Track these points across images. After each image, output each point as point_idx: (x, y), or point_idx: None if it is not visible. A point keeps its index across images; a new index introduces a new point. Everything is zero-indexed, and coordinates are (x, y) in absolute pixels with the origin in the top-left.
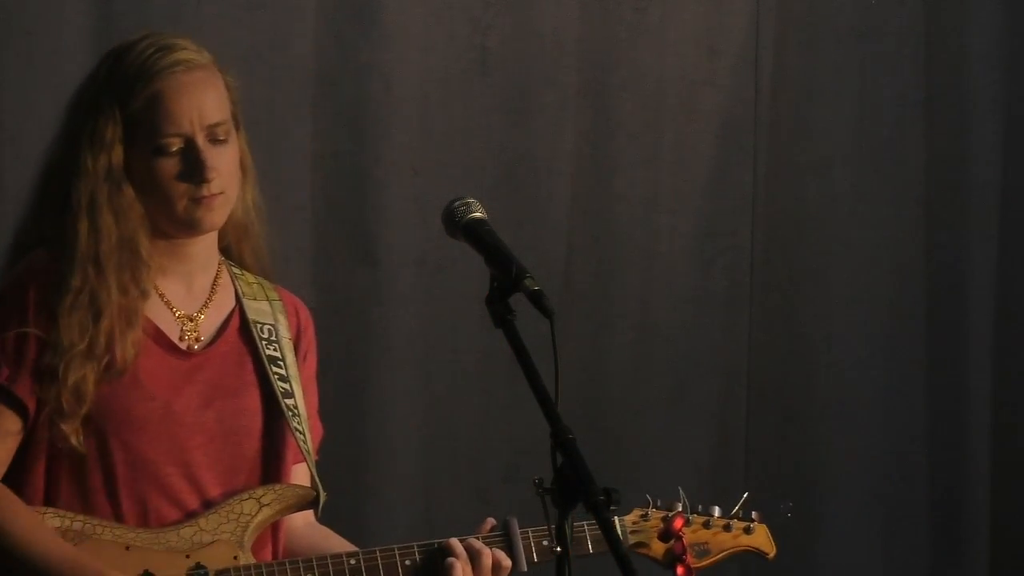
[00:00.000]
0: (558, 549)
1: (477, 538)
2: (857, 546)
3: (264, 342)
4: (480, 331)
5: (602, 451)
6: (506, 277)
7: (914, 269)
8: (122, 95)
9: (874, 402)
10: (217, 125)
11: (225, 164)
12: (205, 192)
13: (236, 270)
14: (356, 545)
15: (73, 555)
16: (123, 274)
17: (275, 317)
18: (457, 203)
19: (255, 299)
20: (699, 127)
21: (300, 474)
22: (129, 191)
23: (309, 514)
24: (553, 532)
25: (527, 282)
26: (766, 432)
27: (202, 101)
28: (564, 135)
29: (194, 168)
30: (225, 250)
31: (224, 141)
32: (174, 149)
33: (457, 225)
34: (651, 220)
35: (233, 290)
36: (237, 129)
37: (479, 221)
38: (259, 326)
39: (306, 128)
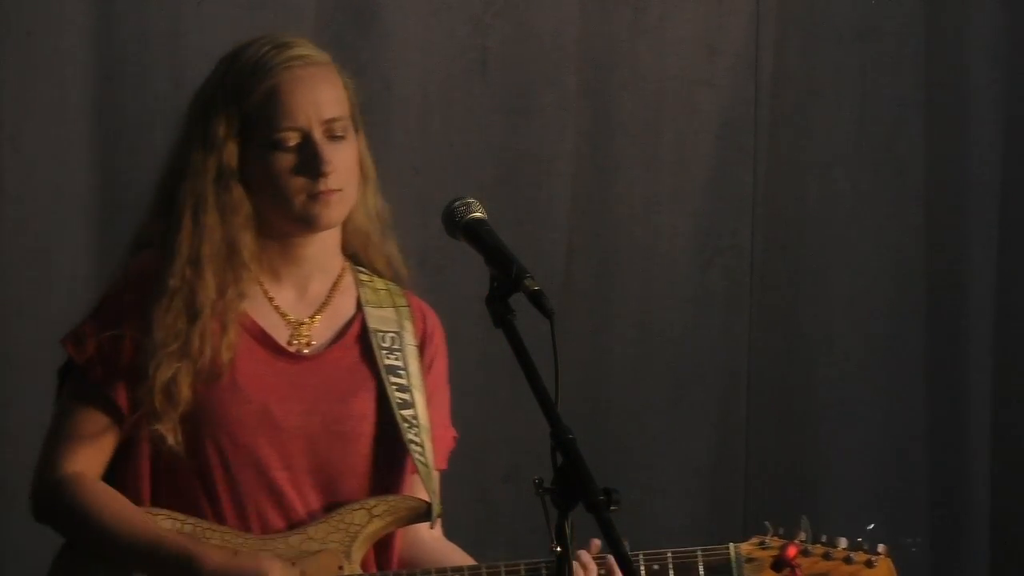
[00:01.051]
0: (558, 549)
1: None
2: None
3: (384, 351)
4: (480, 331)
5: (602, 451)
6: (506, 277)
7: (914, 269)
8: (237, 92)
9: (874, 402)
10: (334, 121)
11: (343, 161)
12: (322, 187)
13: (364, 276)
14: None
15: (185, 542)
16: (223, 275)
17: (400, 324)
18: (457, 203)
19: (380, 306)
20: (699, 127)
21: (419, 485)
22: (239, 190)
23: (437, 527)
24: (553, 532)
25: (527, 282)
26: (766, 432)
27: (319, 96)
28: (564, 135)
29: (311, 162)
30: (353, 257)
31: (342, 138)
32: (291, 144)
33: (457, 225)
34: (651, 220)
35: (355, 296)
36: (356, 131)
37: (479, 221)
38: (380, 334)
39: None
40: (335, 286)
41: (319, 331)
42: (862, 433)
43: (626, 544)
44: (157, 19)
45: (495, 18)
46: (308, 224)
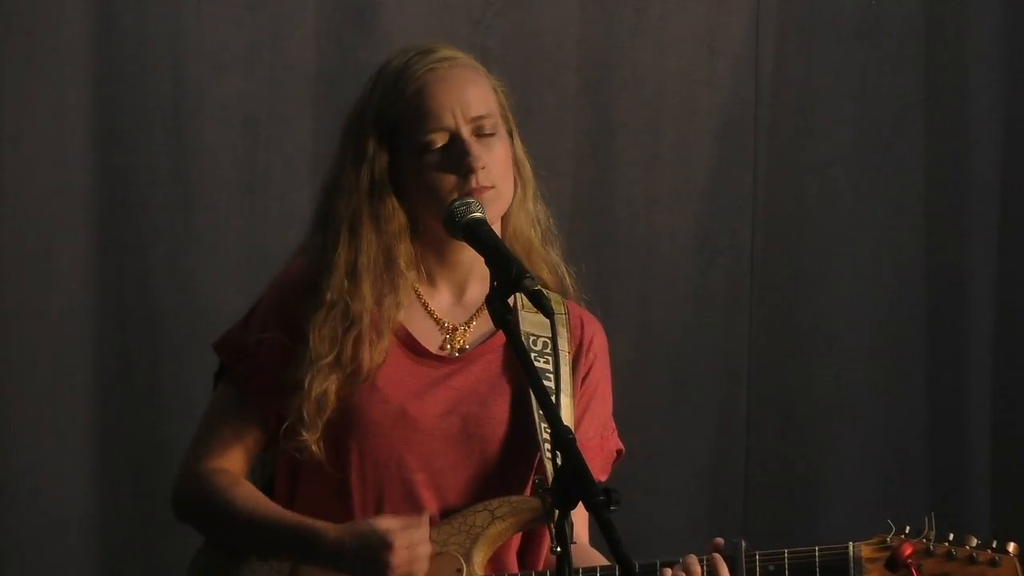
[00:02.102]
0: (558, 549)
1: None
2: None
3: (535, 354)
4: None
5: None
6: (506, 277)
7: (914, 269)
8: (384, 102)
9: (874, 402)
10: (482, 118)
11: (494, 158)
12: (473, 183)
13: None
14: None
15: (304, 518)
16: (380, 286)
17: (555, 330)
18: (457, 203)
19: (534, 311)
20: (699, 127)
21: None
22: (392, 201)
23: (584, 536)
24: (553, 532)
25: (527, 282)
26: (766, 432)
27: (464, 93)
28: (564, 135)
29: (460, 160)
30: None
31: (492, 135)
32: (439, 145)
33: (457, 225)
34: (651, 220)
35: (512, 301)
36: (510, 133)
37: (479, 221)
38: (532, 338)
39: (306, 128)
40: None
41: (473, 336)
42: (862, 433)
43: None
44: (157, 19)
45: (495, 18)
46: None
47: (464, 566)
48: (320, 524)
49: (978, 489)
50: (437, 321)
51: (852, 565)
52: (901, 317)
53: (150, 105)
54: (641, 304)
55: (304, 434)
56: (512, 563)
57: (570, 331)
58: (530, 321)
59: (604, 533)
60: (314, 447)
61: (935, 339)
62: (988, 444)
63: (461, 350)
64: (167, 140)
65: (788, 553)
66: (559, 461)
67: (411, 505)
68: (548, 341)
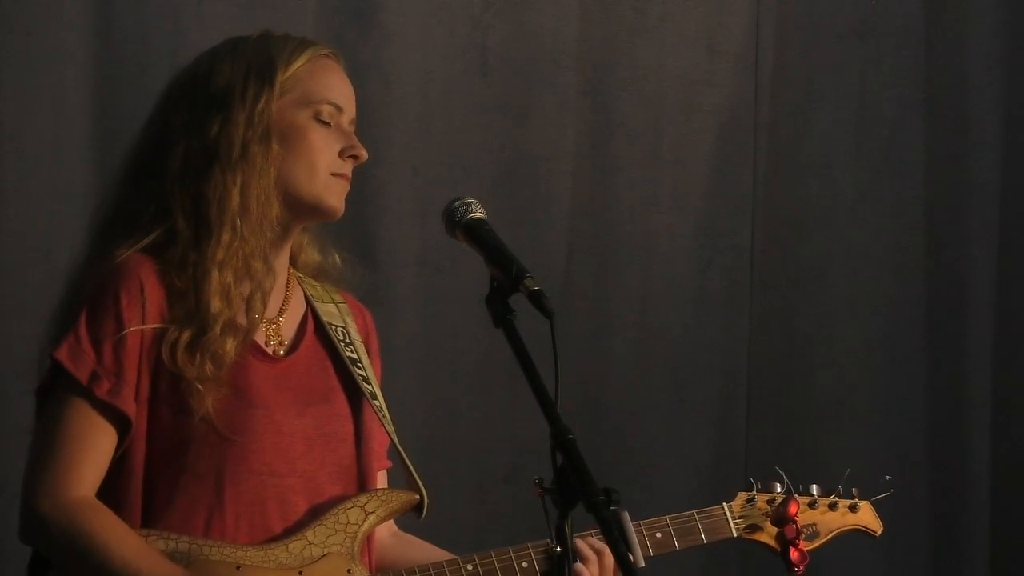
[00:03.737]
0: (558, 549)
1: (593, 535)
2: (857, 546)
3: (342, 344)
4: (480, 331)
5: (602, 451)
6: (506, 277)
7: (914, 269)
8: (283, 61)
9: (874, 402)
10: (354, 121)
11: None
12: (348, 168)
13: (298, 273)
14: None
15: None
16: (261, 239)
17: (343, 319)
18: (457, 203)
19: (323, 302)
20: (699, 127)
21: (382, 481)
22: (276, 148)
23: (392, 524)
24: (553, 532)
25: (527, 282)
26: (766, 432)
27: (351, 91)
28: (564, 135)
29: (349, 143)
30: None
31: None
32: (325, 118)
33: (457, 225)
34: (651, 220)
35: (302, 293)
36: None
37: (479, 221)
38: (334, 328)
39: None
40: (288, 283)
41: (287, 330)
42: (862, 433)
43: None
44: (157, 19)
45: (495, 18)
46: (321, 205)
47: (353, 566)
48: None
49: (978, 489)
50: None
51: (730, 521)
52: (901, 317)
53: (150, 105)
54: (641, 304)
55: (200, 386)
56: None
57: (354, 319)
58: (325, 311)
59: (604, 533)
60: (209, 406)
61: (935, 339)
62: (988, 444)
63: (281, 345)
64: None
65: (670, 519)
66: (559, 461)
67: (279, 510)
68: (344, 330)
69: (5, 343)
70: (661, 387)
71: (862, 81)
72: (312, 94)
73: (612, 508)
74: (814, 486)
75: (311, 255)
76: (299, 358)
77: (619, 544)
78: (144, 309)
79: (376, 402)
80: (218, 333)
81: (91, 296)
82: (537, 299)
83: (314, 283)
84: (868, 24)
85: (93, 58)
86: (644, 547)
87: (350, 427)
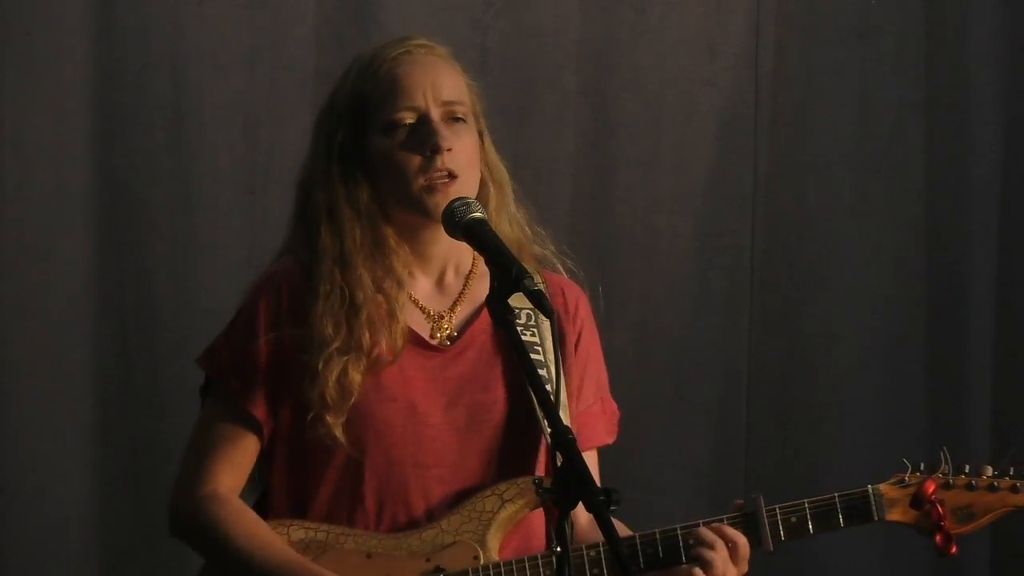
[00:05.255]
0: (558, 549)
1: (724, 520)
2: (857, 546)
3: (520, 327)
4: None
5: (603, 451)
6: (506, 277)
7: (914, 269)
8: (355, 87)
9: (874, 402)
10: (454, 103)
11: (462, 144)
12: (439, 164)
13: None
14: None
15: (300, 563)
16: (374, 269)
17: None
18: (457, 203)
19: None
20: (699, 127)
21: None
22: (365, 186)
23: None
24: (553, 532)
25: (527, 282)
26: (766, 432)
27: (437, 77)
28: (564, 135)
29: (426, 139)
30: None
31: (463, 121)
32: (407, 123)
33: (457, 225)
34: (651, 220)
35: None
36: (480, 136)
37: (479, 221)
38: (516, 310)
39: (306, 128)
40: (471, 273)
41: (459, 322)
42: (862, 433)
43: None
44: (157, 19)
45: (495, 18)
46: (424, 212)
47: (480, 553)
48: (318, 568)
49: None
50: (422, 310)
51: (874, 505)
52: (901, 317)
53: (150, 105)
54: (641, 304)
55: (328, 417)
56: (541, 543)
57: (552, 299)
58: (513, 297)
59: (604, 533)
60: (338, 432)
61: (935, 339)
62: (988, 443)
63: (451, 338)
64: (167, 140)
65: (808, 503)
66: (559, 461)
67: (422, 500)
68: (531, 313)
69: (5, 343)
70: (661, 387)
71: (862, 81)
72: (382, 110)
73: (612, 508)
74: (987, 467)
75: (528, 260)
76: (465, 347)
77: (619, 544)
78: (281, 314)
79: (549, 387)
80: (321, 365)
81: (241, 304)
82: (537, 299)
83: None
84: (868, 24)
85: (93, 58)
86: (776, 532)
87: (504, 413)
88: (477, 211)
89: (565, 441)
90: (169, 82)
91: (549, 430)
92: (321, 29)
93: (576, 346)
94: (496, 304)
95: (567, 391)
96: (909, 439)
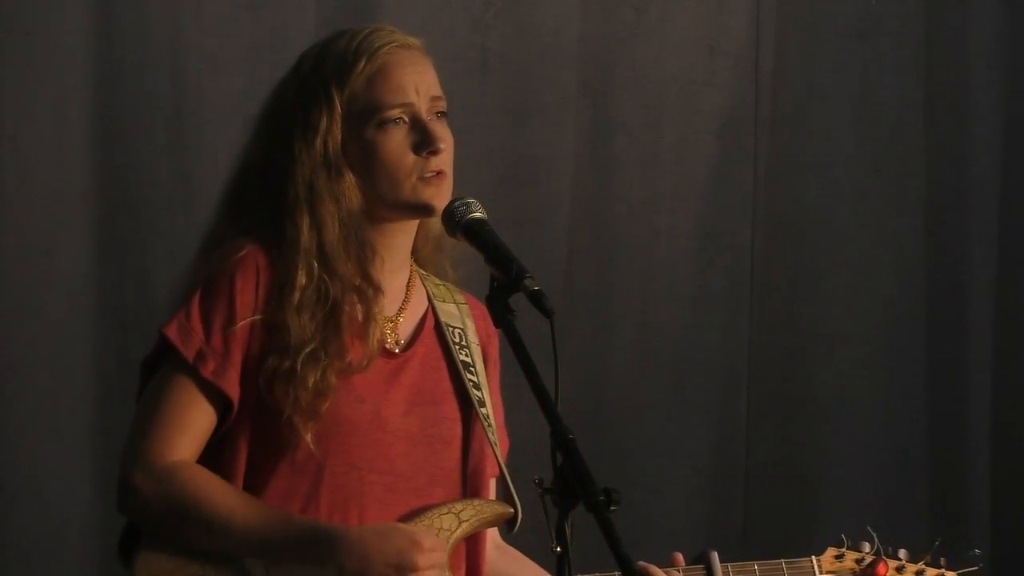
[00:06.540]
0: (558, 549)
1: (678, 571)
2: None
3: (456, 347)
4: None
5: (602, 451)
6: (506, 277)
7: (914, 269)
8: (339, 77)
9: (874, 402)
10: (439, 98)
11: (448, 143)
12: (434, 165)
13: (422, 271)
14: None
15: (315, 519)
16: (351, 267)
17: (463, 321)
18: (457, 203)
19: (444, 301)
20: (699, 127)
21: (495, 489)
22: (349, 177)
23: (495, 535)
24: (553, 532)
25: (527, 282)
26: (766, 432)
27: (424, 73)
28: (564, 135)
29: (423, 139)
30: (417, 260)
31: (445, 114)
32: (398, 119)
33: (457, 225)
34: (651, 220)
35: (424, 291)
36: None
37: (479, 221)
38: (451, 329)
39: None
40: (410, 281)
41: (404, 328)
42: (862, 433)
43: None
44: (157, 19)
45: (495, 18)
46: (420, 209)
47: (446, 573)
48: (333, 524)
49: (978, 489)
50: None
51: (818, 572)
52: (901, 317)
53: (150, 105)
54: (641, 304)
55: (297, 420)
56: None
57: (475, 322)
58: (445, 311)
59: (604, 533)
60: (308, 436)
61: (935, 339)
62: (988, 444)
63: (397, 343)
64: (167, 140)
65: (758, 565)
66: (559, 461)
67: (376, 507)
68: (462, 332)
69: (5, 343)
70: (661, 387)
71: (862, 81)
72: (374, 105)
73: (612, 508)
74: (902, 551)
75: (440, 261)
76: (413, 357)
77: (619, 544)
78: (258, 297)
79: (484, 409)
80: (299, 367)
81: (207, 278)
82: (537, 299)
83: (437, 282)
84: (868, 24)
85: (93, 58)
86: None
87: (458, 431)
88: (477, 211)
89: (565, 441)
90: (169, 82)
91: (550, 430)
92: (321, 29)
93: (491, 371)
94: (496, 304)
95: (493, 412)
96: (909, 439)
